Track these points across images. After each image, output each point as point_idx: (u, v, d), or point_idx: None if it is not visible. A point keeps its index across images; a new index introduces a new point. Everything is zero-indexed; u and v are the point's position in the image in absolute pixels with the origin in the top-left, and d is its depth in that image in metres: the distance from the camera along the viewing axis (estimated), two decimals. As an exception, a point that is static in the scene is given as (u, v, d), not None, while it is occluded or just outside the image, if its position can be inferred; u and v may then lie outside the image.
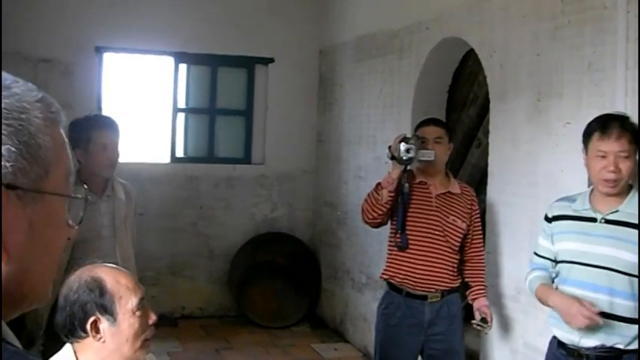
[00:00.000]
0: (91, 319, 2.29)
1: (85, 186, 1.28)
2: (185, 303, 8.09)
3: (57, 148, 1.08)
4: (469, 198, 4.64)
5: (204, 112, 8.26)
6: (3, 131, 0.99)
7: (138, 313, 2.35)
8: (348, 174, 7.44)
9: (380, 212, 4.46)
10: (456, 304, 4.57)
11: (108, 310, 2.30)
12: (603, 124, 3.37)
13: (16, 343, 1.08)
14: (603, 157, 3.33)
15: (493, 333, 4.94)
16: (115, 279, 2.36)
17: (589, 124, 3.46)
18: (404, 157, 4.31)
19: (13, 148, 1.00)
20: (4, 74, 1.05)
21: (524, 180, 4.69)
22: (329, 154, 8.02)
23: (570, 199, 3.60)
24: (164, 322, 7.49)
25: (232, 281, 8.01)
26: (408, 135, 4.52)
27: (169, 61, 8.05)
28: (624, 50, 3.86)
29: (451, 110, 6.21)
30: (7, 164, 0.99)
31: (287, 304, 7.99)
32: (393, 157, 4.37)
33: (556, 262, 3.61)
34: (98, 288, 2.32)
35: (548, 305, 3.57)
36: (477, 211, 4.67)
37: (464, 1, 5.39)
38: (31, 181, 1.02)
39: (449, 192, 4.56)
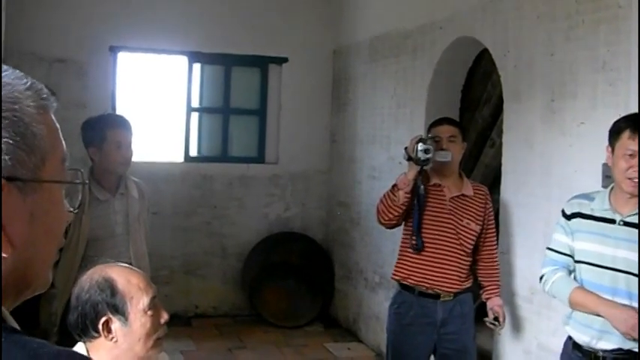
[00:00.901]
0: (103, 319, 2.30)
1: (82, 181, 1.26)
2: (198, 302, 8.11)
3: (51, 135, 1.08)
4: (482, 198, 4.59)
5: (218, 112, 8.28)
6: None
7: (150, 312, 2.35)
8: (362, 174, 7.44)
9: (396, 213, 4.43)
10: (468, 304, 4.55)
11: (119, 310, 2.31)
12: (635, 123, 3.28)
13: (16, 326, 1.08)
14: (631, 156, 3.24)
15: (506, 333, 4.93)
16: (126, 279, 2.37)
17: (618, 123, 3.37)
18: (421, 158, 4.27)
19: (10, 141, 1.00)
20: None
21: (538, 180, 4.68)
22: (343, 154, 8.02)
23: (588, 196, 3.51)
24: (178, 322, 7.52)
25: (245, 280, 8.02)
26: (424, 136, 4.47)
27: (183, 60, 8.06)
28: (638, 49, 3.84)
29: (465, 110, 6.20)
30: (6, 157, 0.99)
31: (300, 303, 8.00)
32: (409, 158, 4.33)
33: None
34: (109, 288, 2.32)
35: (593, 313, 3.38)
36: (491, 210, 4.64)
37: (477, 1, 5.37)
38: (29, 172, 1.02)
39: (462, 194, 4.52)
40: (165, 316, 2.42)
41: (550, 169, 4.56)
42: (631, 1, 3.91)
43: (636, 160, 3.23)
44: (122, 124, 4.37)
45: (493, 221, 4.68)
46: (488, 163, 6.25)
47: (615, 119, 3.43)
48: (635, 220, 3.30)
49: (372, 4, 7.46)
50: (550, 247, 3.66)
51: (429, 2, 6.17)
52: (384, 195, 4.49)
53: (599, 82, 4.14)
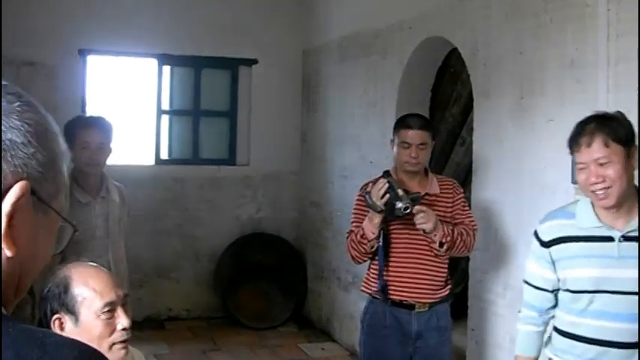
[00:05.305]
0: (55, 316, 2.31)
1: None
2: (171, 305, 8.09)
3: (65, 172, 1.16)
4: (450, 192, 4.35)
5: (189, 114, 8.27)
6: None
7: (103, 316, 2.32)
8: (333, 174, 7.47)
9: (369, 256, 4.27)
10: (445, 316, 4.35)
11: (70, 310, 2.31)
12: (576, 131, 2.91)
13: None
14: (582, 169, 2.87)
15: (480, 329, 4.98)
16: (83, 279, 2.36)
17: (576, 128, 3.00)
18: (400, 215, 3.98)
19: (42, 170, 1.08)
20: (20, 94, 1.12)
21: (509, 177, 4.73)
22: (314, 154, 8.04)
23: (566, 213, 3.05)
24: (151, 325, 7.51)
25: (218, 282, 8.02)
26: (392, 183, 4.02)
27: (153, 63, 8.05)
28: (605, 47, 3.91)
29: (435, 109, 6.24)
30: (40, 169, 1.07)
31: (274, 304, 8.01)
32: (379, 210, 4.02)
33: (558, 291, 3.11)
34: (64, 286, 2.33)
35: None
36: (460, 199, 4.37)
37: (446, 0, 5.43)
38: (47, 196, 1.10)
39: (427, 194, 4.23)
40: (124, 323, 2.37)
41: (520, 166, 4.61)
42: (597, 0, 3.98)
43: (589, 171, 2.85)
44: (91, 124, 4.35)
45: (467, 209, 4.41)
46: (459, 161, 6.30)
47: (583, 116, 3.11)
48: (635, 234, 2.87)
49: (341, 3, 7.49)
50: (526, 279, 3.24)
51: (399, 2, 6.20)
52: (355, 241, 4.22)
53: (567, 79, 4.20)
